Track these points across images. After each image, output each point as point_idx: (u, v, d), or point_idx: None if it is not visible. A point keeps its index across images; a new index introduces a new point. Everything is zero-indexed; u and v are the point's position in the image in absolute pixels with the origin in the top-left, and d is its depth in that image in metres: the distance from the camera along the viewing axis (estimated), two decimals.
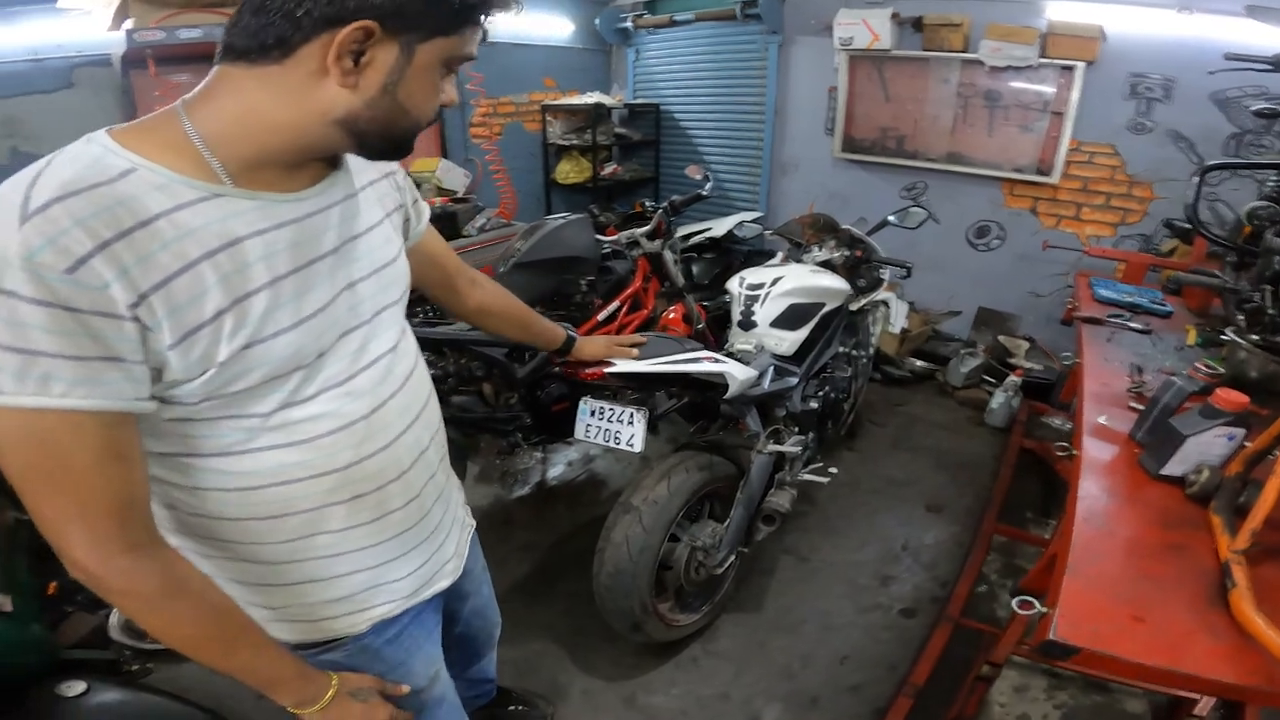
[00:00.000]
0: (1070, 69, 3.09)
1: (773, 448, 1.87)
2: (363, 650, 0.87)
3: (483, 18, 0.66)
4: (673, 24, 4.22)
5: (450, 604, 1.16)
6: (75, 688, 1.45)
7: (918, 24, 3.38)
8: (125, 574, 0.62)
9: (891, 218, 2.55)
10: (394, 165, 0.87)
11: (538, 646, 1.94)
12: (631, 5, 4.36)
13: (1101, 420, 1.45)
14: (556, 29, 4.30)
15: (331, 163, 0.73)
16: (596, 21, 4.42)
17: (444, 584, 0.97)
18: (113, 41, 2.60)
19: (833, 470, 2.11)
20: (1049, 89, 3.19)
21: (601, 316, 2.43)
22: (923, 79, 3.50)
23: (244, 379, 0.64)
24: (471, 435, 2.36)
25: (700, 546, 1.80)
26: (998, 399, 3.06)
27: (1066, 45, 3.06)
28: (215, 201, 0.61)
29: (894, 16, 3.37)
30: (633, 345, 1.51)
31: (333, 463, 0.74)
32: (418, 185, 3.51)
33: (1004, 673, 1.76)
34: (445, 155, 3.77)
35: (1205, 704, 1.59)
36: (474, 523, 1.16)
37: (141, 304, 0.56)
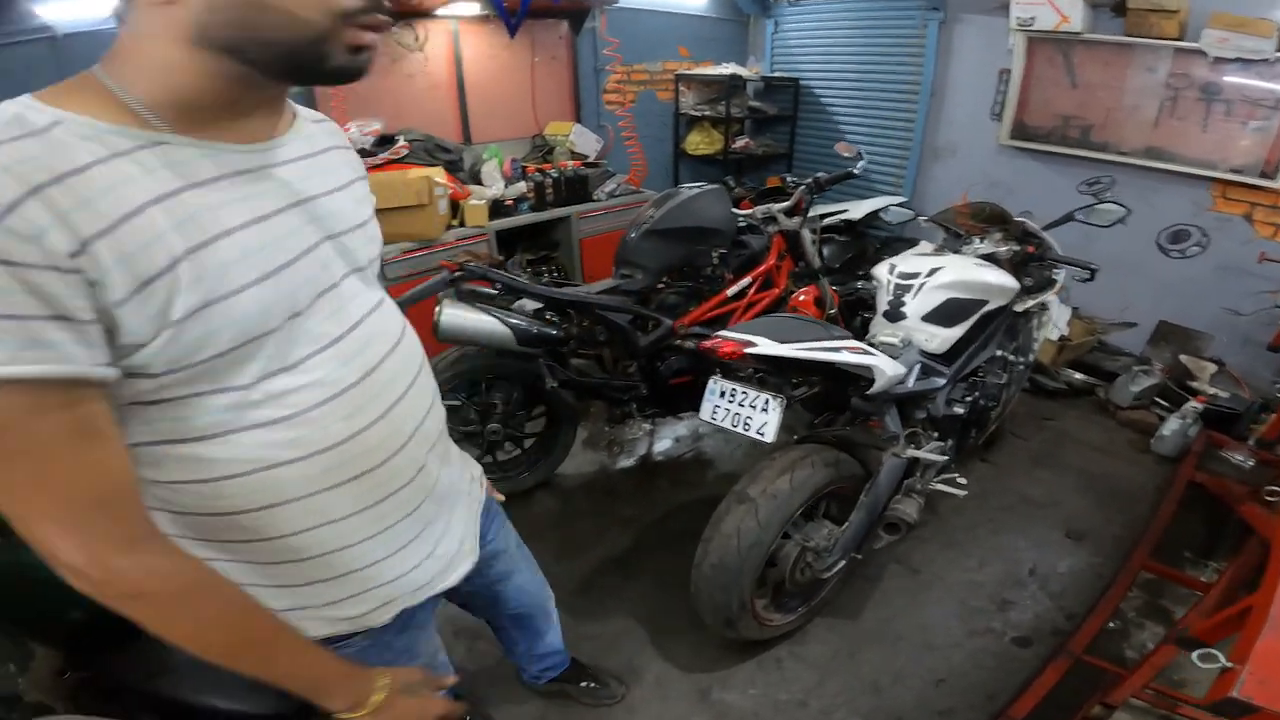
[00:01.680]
0: None
1: (911, 452, 1.70)
2: (373, 646, 0.80)
3: None
4: None
5: (493, 587, 1.15)
6: None
7: (1119, 7, 2.99)
8: (130, 576, 0.56)
9: (1079, 213, 2.23)
10: (346, 140, 0.83)
11: (621, 624, 1.91)
12: None
13: None
14: None
15: (285, 119, 0.69)
16: None
17: (466, 566, 0.91)
18: None
19: (963, 481, 1.91)
20: None
21: (731, 292, 2.31)
22: (1121, 66, 3.09)
23: (211, 343, 0.57)
24: (584, 400, 2.34)
25: (812, 548, 1.69)
26: (1171, 425, 2.66)
27: None
28: (158, 149, 0.56)
29: None
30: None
31: (326, 438, 0.66)
32: (550, 149, 3.55)
33: (1115, 715, 1.55)
34: (579, 120, 3.77)
35: None
36: (500, 497, 1.11)
37: (84, 252, 0.49)
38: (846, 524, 1.69)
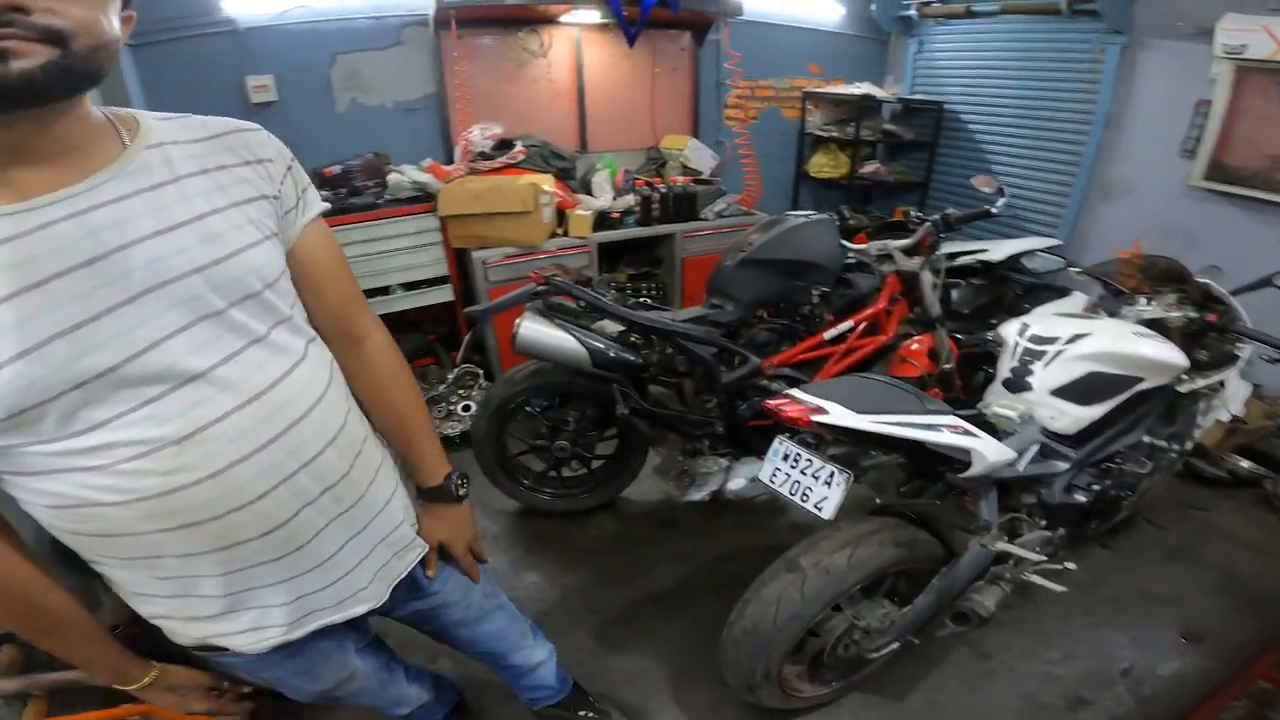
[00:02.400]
0: None
1: (1001, 547, 1.45)
2: (258, 661, 0.87)
3: None
4: (969, 15, 3.65)
5: (452, 631, 1.14)
6: None
7: None
8: None
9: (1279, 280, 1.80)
10: (266, 153, 0.77)
11: (647, 662, 1.83)
12: None
13: None
14: (825, 12, 3.98)
15: (97, 157, 0.63)
16: (873, 7, 3.98)
17: (356, 610, 0.90)
18: (425, 3, 2.86)
19: (1070, 565, 1.61)
20: None
21: (829, 335, 2.10)
22: None
23: None
24: (658, 428, 2.24)
25: (863, 626, 1.50)
26: None
27: None
28: None
29: None
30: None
31: (140, 490, 0.67)
32: (664, 163, 3.48)
33: None
34: (697, 134, 3.69)
35: None
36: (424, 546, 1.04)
37: None
38: (909, 607, 1.49)
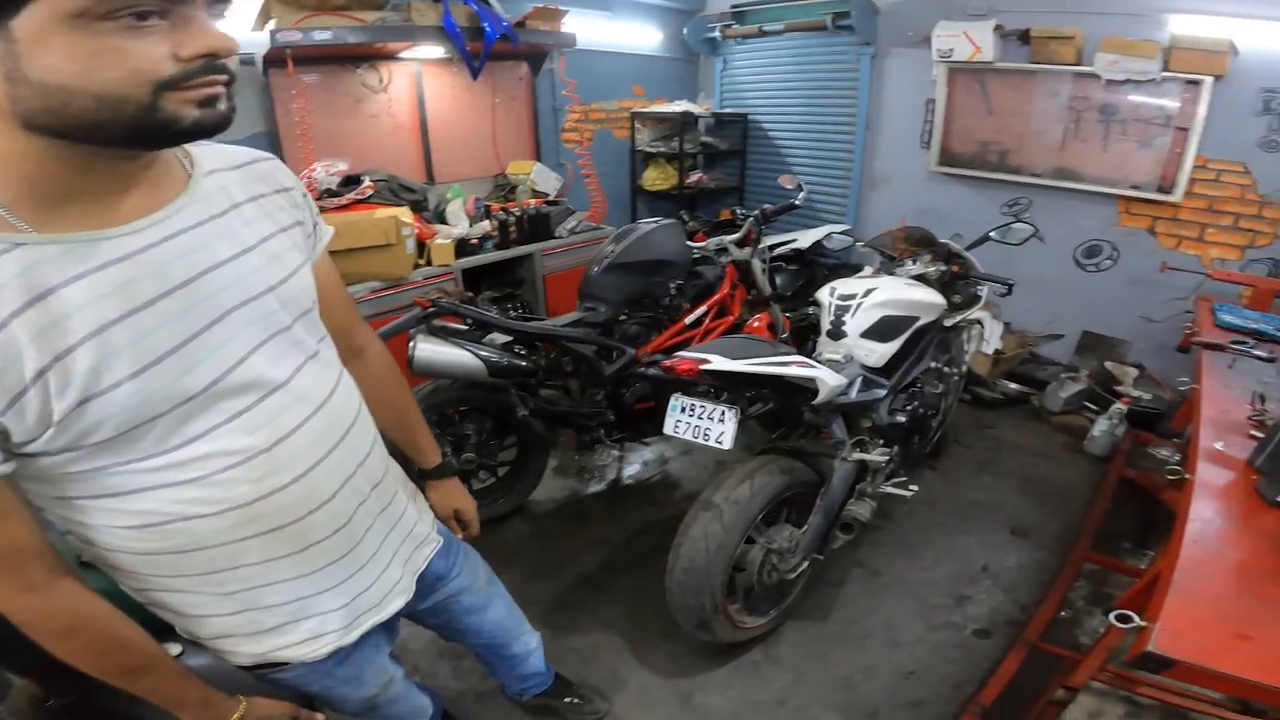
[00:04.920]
0: (1196, 83, 2.90)
1: (858, 456, 1.85)
2: (314, 670, 0.89)
3: None
4: (761, 34, 4.21)
5: (461, 619, 1.21)
6: (174, 648, 1.47)
7: (1024, 36, 3.27)
8: (26, 611, 0.66)
9: (994, 233, 2.46)
10: (287, 181, 0.83)
11: (599, 638, 1.98)
12: (720, 16, 4.40)
13: (1218, 446, 1.43)
14: (645, 38, 4.38)
15: (171, 186, 0.68)
16: (684, 31, 4.47)
17: (395, 605, 0.96)
18: (257, 41, 2.75)
19: (913, 486, 2.06)
20: (1172, 104, 3.01)
21: (689, 320, 2.46)
22: (1029, 92, 3.37)
23: (95, 432, 0.62)
24: (554, 428, 2.44)
25: (776, 550, 1.80)
26: (1100, 426, 2.88)
27: (1192, 59, 2.88)
28: (16, 253, 0.56)
29: (997, 28, 3.28)
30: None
31: (232, 499, 0.71)
32: (513, 188, 3.68)
33: (1079, 698, 1.67)
34: (539, 159, 3.91)
35: None
36: (444, 539, 1.12)
37: None
38: (805, 526, 1.81)
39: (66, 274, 0.58)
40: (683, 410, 1.78)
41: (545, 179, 3.70)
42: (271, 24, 2.64)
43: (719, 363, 1.57)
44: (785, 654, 1.94)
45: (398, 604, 0.97)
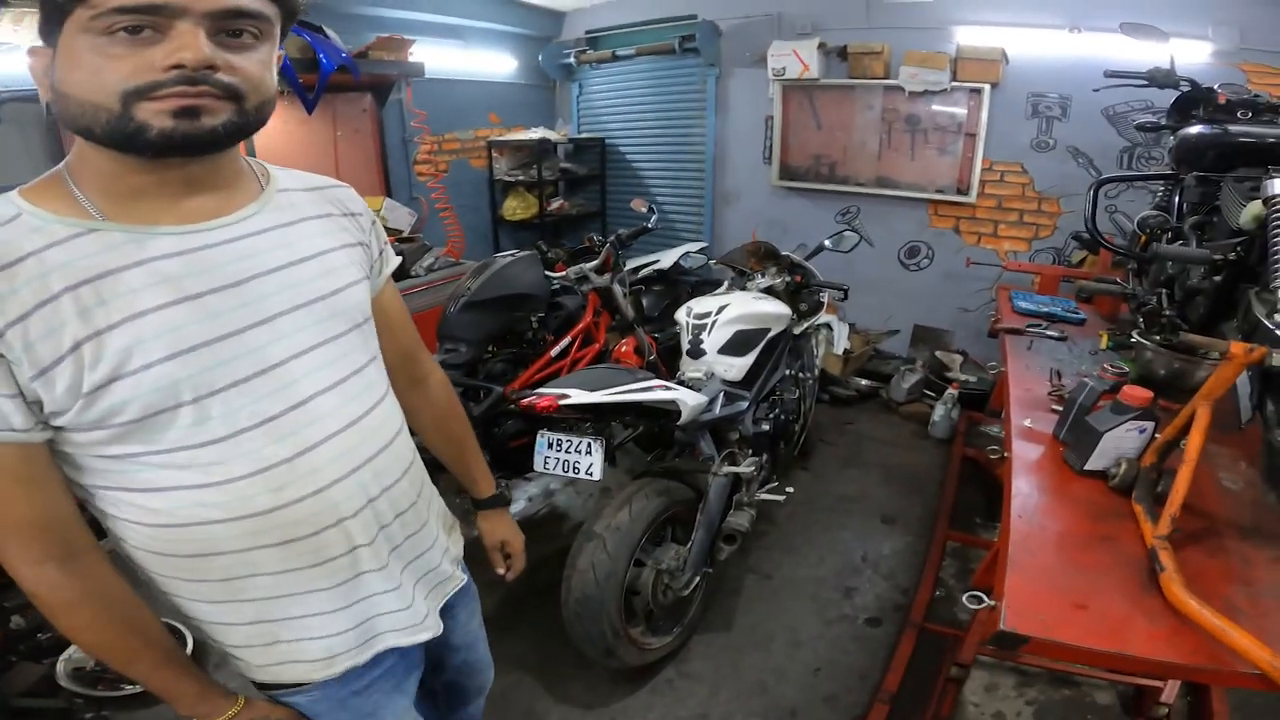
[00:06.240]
0: (979, 91, 3.32)
1: (728, 469, 1.93)
2: (328, 698, 0.86)
3: None
4: (615, 59, 4.31)
5: (439, 653, 1.14)
6: None
7: (843, 53, 3.58)
8: (34, 581, 0.68)
9: (826, 242, 2.67)
10: (356, 207, 0.88)
11: (511, 679, 1.92)
12: (574, 42, 4.46)
13: (1027, 423, 1.54)
14: (500, 65, 4.36)
15: (243, 194, 0.73)
16: (539, 58, 4.49)
17: (421, 636, 0.93)
18: None
19: (789, 489, 2.17)
20: (961, 111, 3.43)
21: (554, 353, 2.44)
22: (849, 106, 3.70)
23: (121, 412, 0.64)
24: (432, 474, 2.31)
25: (665, 569, 1.83)
26: (938, 412, 3.21)
27: (973, 69, 3.29)
28: (90, 237, 0.63)
29: (820, 46, 3.56)
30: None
31: (249, 507, 0.71)
32: None
33: (974, 673, 1.82)
34: (389, 194, 3.74)
35: (1170, 691, 1.66)
36: (466, 578, 1.10)
37: (1, 338, 0.59)
38: (690, 543, 1.86)
39: (125, 260, 0.63)
40: (549, 446, 1.77)
41: (397, 215, 3.54)
42: None
43: (577, 396, 1.58)
44: (698, 668, 1.96)
45: (421, 637, 0.93)
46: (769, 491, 2.13)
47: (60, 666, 1.83)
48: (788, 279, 2.49)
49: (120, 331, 0.62)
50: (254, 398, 0.70)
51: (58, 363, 0.61)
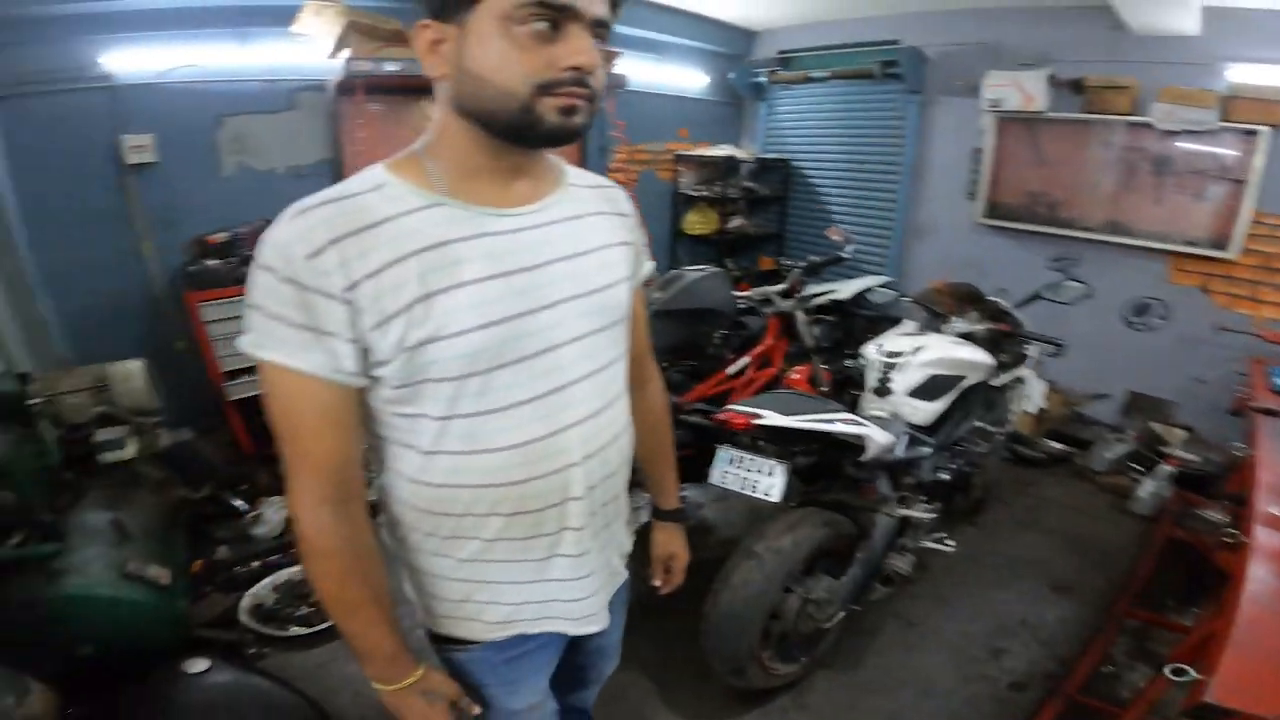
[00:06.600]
0: (1254, 134, 2.86)
1: (902, 512, 1.86)
2: (485, 660, 0.90)
3: None
4: (808, 81, 4.24)
5: (581, 638, 1.16)
6: (198, 665, 1.50)
7: (1077, 86, 3.27)
8: (309, 522, 0.73)
9: (1044, 291, 2.44)
10: (626, 208, 0.92)
11: (628, 676, 1.96)
12: (766, 61, 4.45)
13: (1275, 511, 1.44)
14: (692, 81, 4.47)
15: (548, 184, 0.79)
16: (730, 75, 4.53)
17: (591, 628, 0.95)
18: (329, 69, 2.83)
19: (951, 542, 2.05)
20: (1229, 155, 2.96)
21: (731, 370, 2.48)
22: (1081, 142, 3.35)
23: (431, 370, 0.70)
24: None
25: (814, 599, 1.81)
26: (1147, 487, 2.82)
27: (1249, 109, 2.85)
28: (437, 209, 0.71)
29: (1050, 78, 3.28)
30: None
31: (504, 477, 0.77)
32: None
33: None
34: None
35: None
36: (627, 574, 1.11)
37: (353, 289, 0.66)
38: (844, 577, 1.82)
39: (462, 233, 0.71)
40: (730, 462, 1.81)
41: None
42: (346, 52, 2.72)
43: (772, 418, 1.61)
44: (814, 702, 1.91)
45: (590, 629, 0.95)
46: (934, 540, 2.02)
47: (245, 601, 1.94)
48: (990, 326, 2.32)
49: (446, 296, 0.69)
50: (531, 375, 0.76)
51: (394, 316, 0.67)
